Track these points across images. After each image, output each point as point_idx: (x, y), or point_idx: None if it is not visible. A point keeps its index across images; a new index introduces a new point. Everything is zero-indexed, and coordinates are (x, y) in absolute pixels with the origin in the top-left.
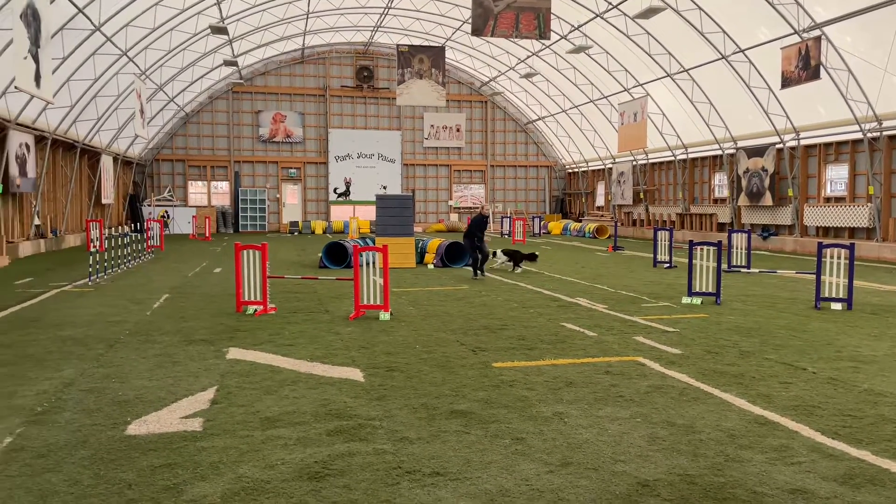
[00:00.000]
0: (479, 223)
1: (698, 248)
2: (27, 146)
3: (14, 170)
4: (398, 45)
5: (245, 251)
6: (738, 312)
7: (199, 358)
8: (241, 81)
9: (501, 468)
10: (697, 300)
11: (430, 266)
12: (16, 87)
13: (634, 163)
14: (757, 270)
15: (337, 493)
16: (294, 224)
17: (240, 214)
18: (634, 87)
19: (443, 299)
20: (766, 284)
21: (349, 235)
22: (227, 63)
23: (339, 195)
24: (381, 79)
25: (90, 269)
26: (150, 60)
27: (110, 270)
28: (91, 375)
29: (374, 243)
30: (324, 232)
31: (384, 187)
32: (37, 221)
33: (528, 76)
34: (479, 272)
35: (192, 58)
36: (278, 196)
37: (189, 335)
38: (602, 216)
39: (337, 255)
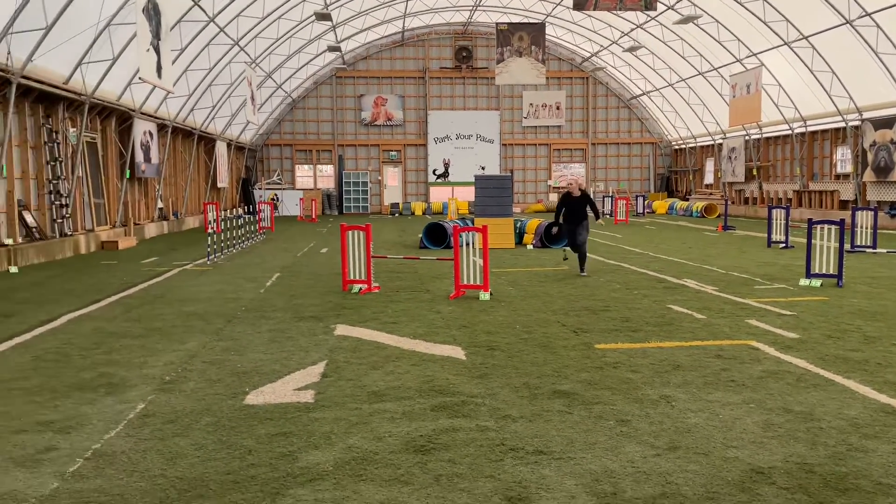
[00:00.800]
0: (568, 206)
1: (818, 226)
2: (150, 134)
3: (139, 156)
4: (497, 24)
5: (350, 232)
6: (861, 295)
7: (309, 333)
8: (344, 66)
9: (606, 449)
10: (817, 282)
11: (529, 247)
12: (140, 79)
13: (747, 137)
14: (884, 251)
15: (442, 466)
16: (395, 206)
17: (343, 197)
18: (747, 57)
19: (542, 280)
20: (894, 266)
21: (448, 216)
22: (330, 49)
23: (438, 176)
24: (480, 59)
25: (208, 250)
26: (260, 49)
27: (226, 251)
28: (212, 348)
29: (472, 224)
30: (423, 213)
31: (482, 168)
32: (160, 204)
33: (631, 50)
34: (583, 270)
35: (298, 45)
36: (380, 178)
37: (299, 312)
38: (711, 194)
39: (436, 235)
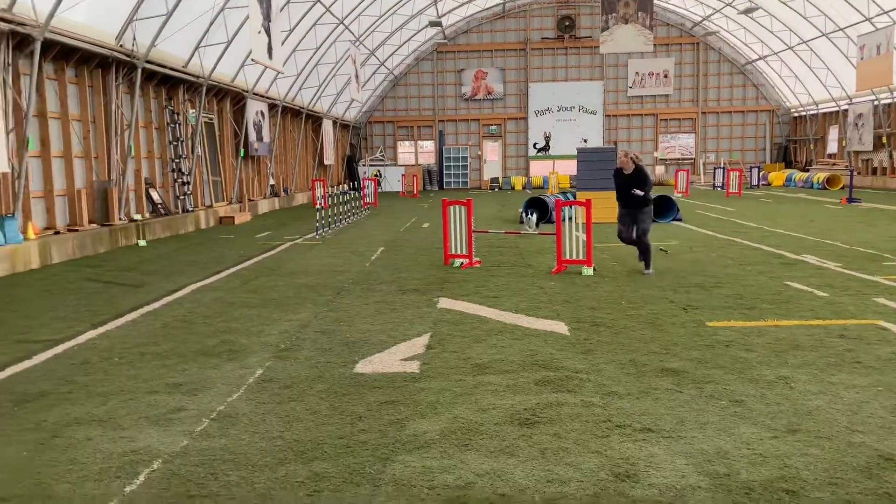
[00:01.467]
0: (619, 185)
1: None
2: (262, 113)
3: (252, 135)
4: None
5: (451, 207)
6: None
7: (413, 306)
8: (445, 41)
9: (719, 430)
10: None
11: None
12: (252, 60)
13: (876, 102)
14: None
15: (547, 439)
16: (494, 180)
17: (444, 172)
18: (878, 15)
19: None
20: None
21: (548, 190)
22: (431, 24)
23: (539, 150)
24: (583, 27)
25: (317, 225)
26: (364, 27)
27: (333, 226)
28: (323, 318)
29: (574, 198)
30: (523, 188)
31: (584, 140)
32: (271, 181)
33: (747, 11)
34: (646, 267)
35: (400, 21)
36: (479, 153)
37: (403, 285)
38: (834, 165)
39: (538, 209)
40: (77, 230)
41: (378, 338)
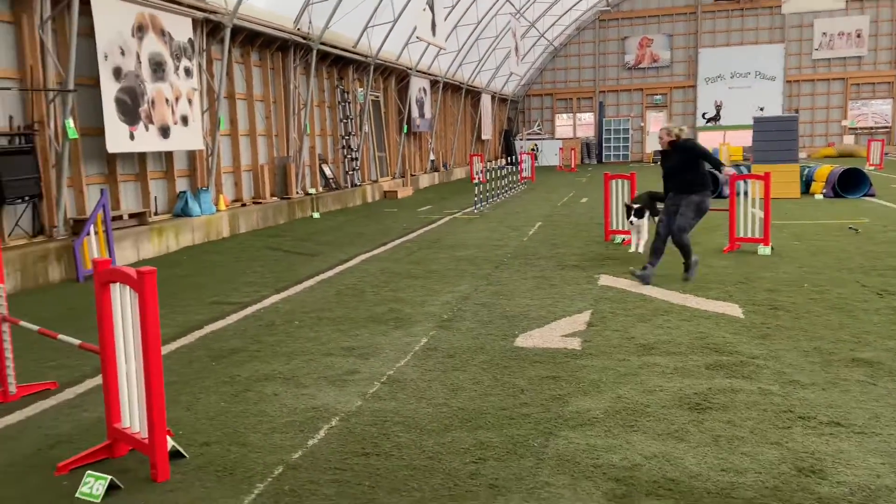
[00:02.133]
0: (663, 167)
1: None
2: (424, 90)
3: (415, 112)
4: None
5: (613, 181)
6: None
7: (573, 282)
8: (608, 8)
9: None
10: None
11: (819, 196)
12: (416, 37)
13: None
14: None
15: (720, 426)
16: (658, 153)
17: (603, 145)
18: None
19: (836, 234)
20: None
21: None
22: None
23: (708, 120)
24: None
25: (475, 199)
26: None
27: (490, 200)
28: (483, 291)
29: (749, 171)
30: None
31: (761, 109)
32: (431, 157)
33: None
34: (688, 271)
35: None
36: (642, 125)
37: (562, 261)
38: None
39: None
40: (260, 202)
41: (537, 313)
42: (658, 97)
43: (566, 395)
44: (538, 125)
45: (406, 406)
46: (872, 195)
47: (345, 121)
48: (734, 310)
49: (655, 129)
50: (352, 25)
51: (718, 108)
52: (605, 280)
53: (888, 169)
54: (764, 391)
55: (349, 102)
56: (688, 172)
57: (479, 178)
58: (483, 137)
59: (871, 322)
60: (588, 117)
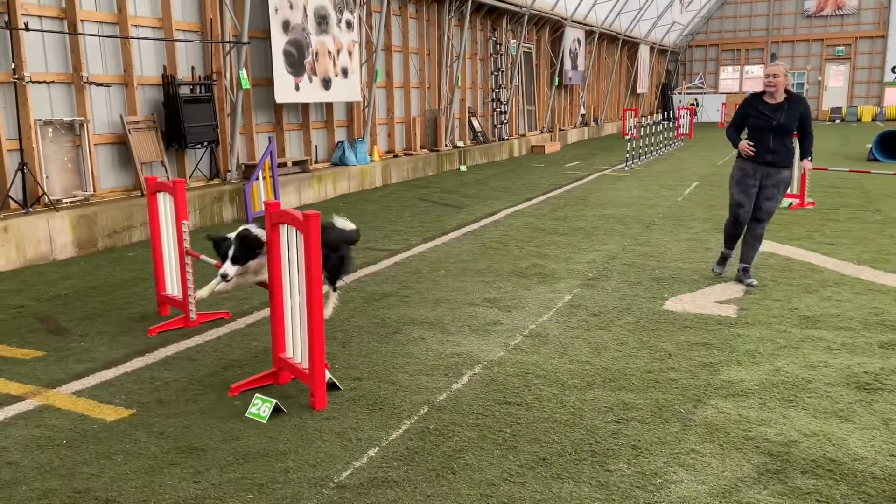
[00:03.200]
0: (755, 121)
1: None
2: (578, 41)
3: (567, 64)
4: None
5: None
6: None
7: None
8: None
9: None
10: None
11: None
12: None
13: None
14: None
15: (892, 409)
16: (836, 110)
17: None
18: None
19: None
20: None
21: None
22: None
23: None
24: None
25: (626, 156)
26: None
27: (643, 157)
28: (631, 251)
29: None
30: (873, 119)
31: None
32: (582, 111)
33: None
34: (744, 275)
35: None
36: (820, 79)
37: (719, 224)
38: None
39: (892, 145)
40: (411, 154)
41: (690, 277)
42: (840, 48)
43: (718, 363)
44: (700, 79)
45: (548, 360)
46: None
47: (496, 73)
48: None
49: (836, 83)
50: None
51: None
52: (768, 246)
53: None
54: None
55: (501, 54)
56: (791, 137)
57: (631, 134)
58: (638, 91)
59: None
60: (757, 70)
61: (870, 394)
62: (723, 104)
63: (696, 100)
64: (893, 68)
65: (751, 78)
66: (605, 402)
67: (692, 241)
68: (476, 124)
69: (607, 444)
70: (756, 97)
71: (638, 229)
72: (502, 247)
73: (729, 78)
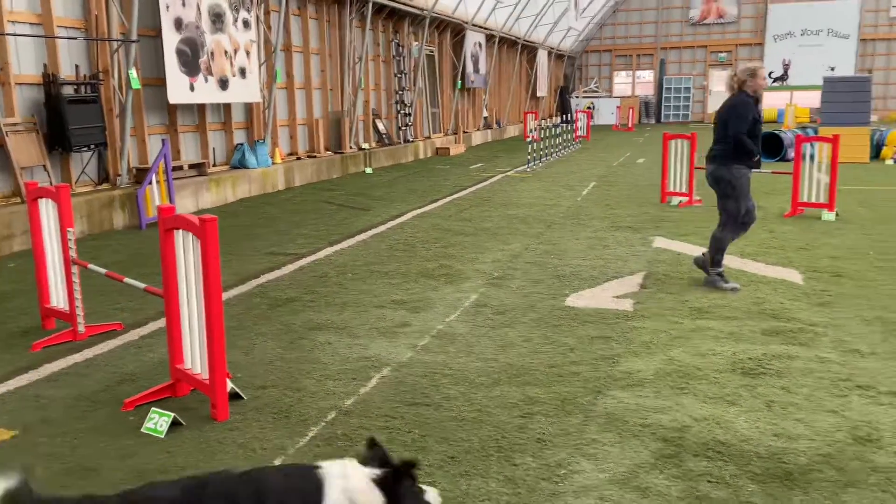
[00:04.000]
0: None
1: None
2: (479, 45)
3: (469, 67)
4: None
5: (673, 141)
6: None
7: (627, 244)
8: None
9: None
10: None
11: (890, 161)
12: None
13: None
14: None
15: (773, 392)
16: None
17: (662, 104)
18: None
19: None
20: None
21: (783, 125)
22: None
23: (775, 80)
24: None
25: (528, 157)
26: None
27: (544, 159)
28: (534, 250)
29: (816, 133)
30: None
31: (832, 69)
32: (485, 113)
33: None
34: (713, 273)
35: None
36: (704, 83)
37: (616, 221)
38: None
39: (771, 146)
40: (315, 156)
41: (589, 273)
42: (722, 55)
43: (616, 355)
44: (595, 83)
45: (455, 359)
46: None
47: (399, 75)
48: (793, 276)
49: (719, 87)
50: None
51: (786, 67)
52: (660, 242)
53: None
54: (822, 359)
55: (404, 57)
56: (737, 134)
57: (532, 137)
58: (538, 95)
59: None
60: (648, 75)
61: (753, 378)
62: (617, 107)
63: (592, 103)
64: (771, 73)
65: (643, 82)
66: (511, 397)
67: (591, 238)
68: (381, 126)
69: (514, 438)
70: (750, 98)
71: (540, 228)
72: (409, 248)
73: (622, 82)
